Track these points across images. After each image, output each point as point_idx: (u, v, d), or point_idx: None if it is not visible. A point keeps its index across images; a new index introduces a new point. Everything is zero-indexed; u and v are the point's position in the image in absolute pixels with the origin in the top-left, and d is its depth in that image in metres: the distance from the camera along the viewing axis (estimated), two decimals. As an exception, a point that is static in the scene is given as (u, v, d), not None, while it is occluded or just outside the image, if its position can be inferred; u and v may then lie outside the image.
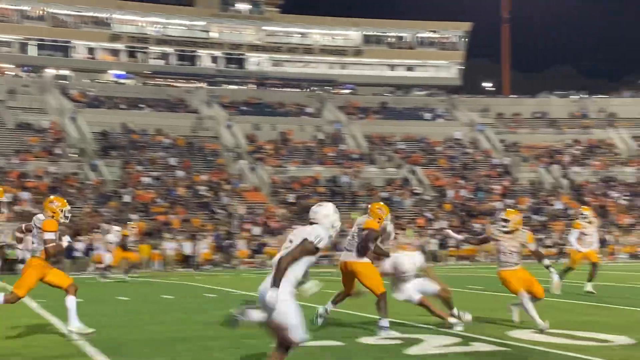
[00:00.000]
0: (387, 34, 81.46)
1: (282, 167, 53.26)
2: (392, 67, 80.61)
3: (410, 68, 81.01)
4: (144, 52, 75.44)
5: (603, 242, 17.47)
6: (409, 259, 11.04)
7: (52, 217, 10.35)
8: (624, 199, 52.91)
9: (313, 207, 7.34)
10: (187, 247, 37.42)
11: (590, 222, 16.78)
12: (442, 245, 41.87)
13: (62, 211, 10.44)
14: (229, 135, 56.84)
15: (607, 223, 48.27)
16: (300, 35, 79.41)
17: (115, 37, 73.75)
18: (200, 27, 76.88)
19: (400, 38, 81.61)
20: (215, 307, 15.16)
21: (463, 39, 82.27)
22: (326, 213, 7.24)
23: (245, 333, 10.57)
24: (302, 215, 46.09)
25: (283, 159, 54.77)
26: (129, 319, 9.92)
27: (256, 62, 77.76)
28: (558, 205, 51.71)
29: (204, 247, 37.77)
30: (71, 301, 10.21)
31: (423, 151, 59.61)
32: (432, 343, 9.18)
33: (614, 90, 79.33)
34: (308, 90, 69.78)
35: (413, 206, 50.55)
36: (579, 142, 63.12)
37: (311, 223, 7.21)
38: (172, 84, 70.07)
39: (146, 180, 48.46)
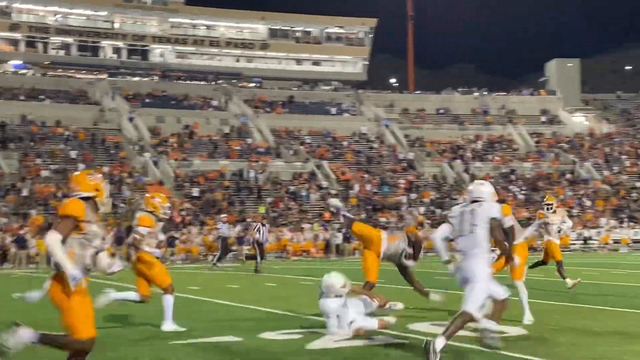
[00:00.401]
0: (294, 28, 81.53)
1: (186, 160, 52.64)
2: (299, 61, 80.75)
3: (316, 63, 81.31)
4: (44, 42, 73.36)
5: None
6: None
7: (152, 212, 10.48)
8: (522, 194, 54.42)
9: (473, 186, 7.80)
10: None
11: (554, 212, 16.10)
12: (347, 238, 42.14)
13: (162, 207, 10.61)
14: (132, 128, 55.84)
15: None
16: (205, 28, 78.66)
17: (14, 27, 71.43)
18: (102, 17, 75.20)
19: (308, 32, 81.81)
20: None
21: (369, 35, 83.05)
22: (492, 191, 7.75)
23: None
24: (206, 210, 45.74)
25: (188, 153, 54.14)
26: (6, 316, 9.56)
27: (160, 53, 76.66)
28: (460, 200, 52.75)
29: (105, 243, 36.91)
30: (168, 301, 10.38)
31: (329, 145, 59.89)
32: (333, 337, 9.15)
33: (513, 88, 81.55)
34: (214, 83, 69.14)
35: (319, 200, 50.72)
36: (480, 138, 64.59)
37: (474, 201, 7.60)
38: (73, 75, 68.33)
39: (45, 173, 47.15)
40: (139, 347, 8.89)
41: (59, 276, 5.94)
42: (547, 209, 15.97)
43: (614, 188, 56.81)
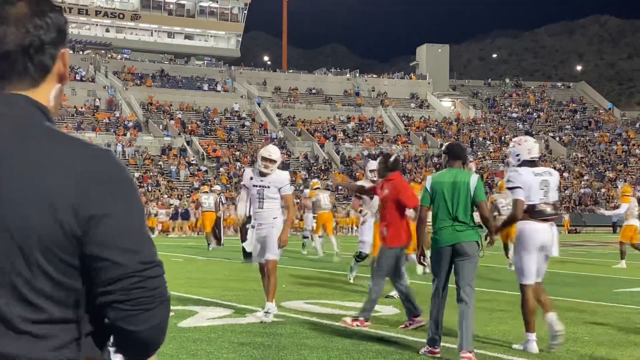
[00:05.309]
0: (167, 0, 79.87)
1: (51, 132, 50.79)
2: (171, 34, 79.24)
3: (189, 36, 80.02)
4: None
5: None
6: None
7: None
8: (391, 175, 55.43)
9: None
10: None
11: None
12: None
13: None
14: (-7, 96, 53.37)
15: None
16: (74, -5, 75.90)
17: None
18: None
19: (181, 5, 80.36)
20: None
21: (244, 11, 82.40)
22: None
23: None
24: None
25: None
26: None
27: (26, 19, 73.47)
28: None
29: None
30: None
31: (201, 121, 59.14)
32: (206, 315, 8.94)
33: (384, 71, 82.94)
34: (81, 52, 66.85)
35: (189, 176, 50.05)
36: (352, 119, 65.34)
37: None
38: None
39: None
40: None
41: None
42: None
43: (478, 172, 58.69)
